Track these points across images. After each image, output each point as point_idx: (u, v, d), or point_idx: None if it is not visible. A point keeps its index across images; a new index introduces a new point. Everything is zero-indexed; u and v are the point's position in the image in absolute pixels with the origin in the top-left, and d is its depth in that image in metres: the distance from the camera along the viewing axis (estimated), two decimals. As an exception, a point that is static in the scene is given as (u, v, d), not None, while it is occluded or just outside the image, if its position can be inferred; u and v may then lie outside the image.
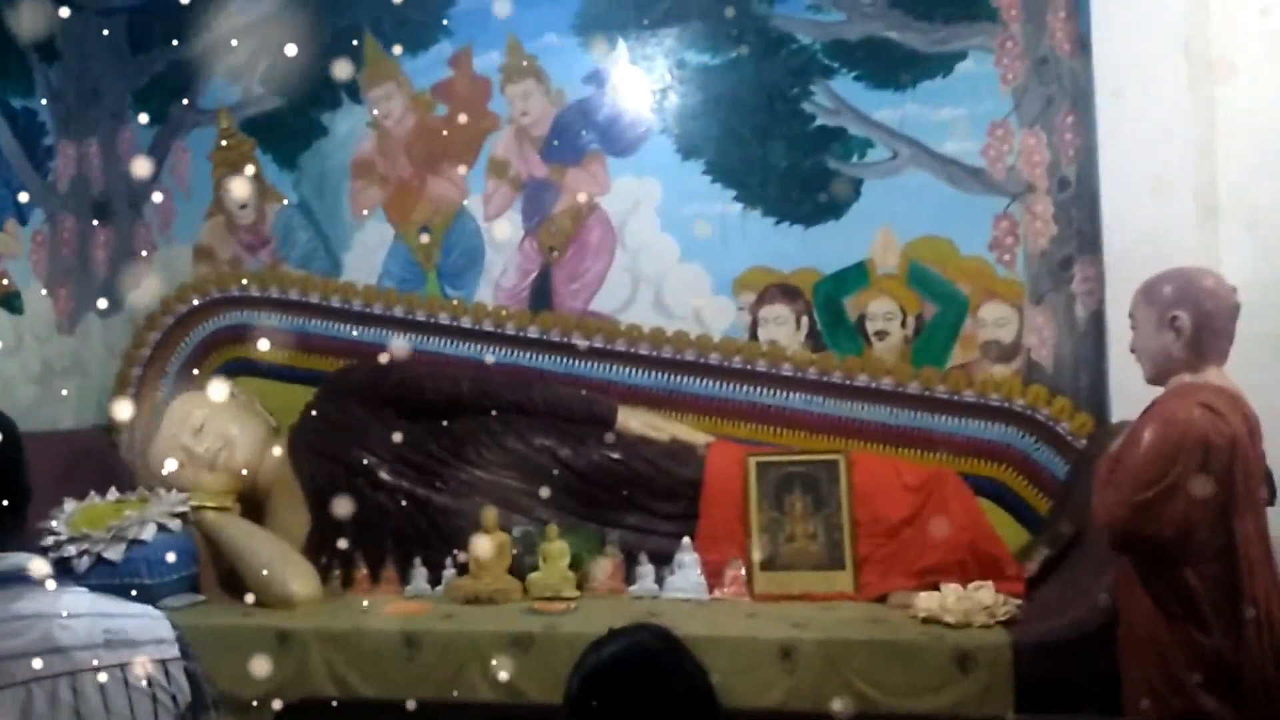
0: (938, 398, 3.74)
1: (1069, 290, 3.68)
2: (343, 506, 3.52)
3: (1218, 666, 2.17)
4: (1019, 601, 3.03)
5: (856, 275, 3.89)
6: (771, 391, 3.86)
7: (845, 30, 3.89)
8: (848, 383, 3.81)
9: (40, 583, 1.34)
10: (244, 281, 4.30)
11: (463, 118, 4.12)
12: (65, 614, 1.31)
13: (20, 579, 1.33)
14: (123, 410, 4.27)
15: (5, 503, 1.36)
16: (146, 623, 1.38)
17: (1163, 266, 2.51)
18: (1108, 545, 2.31)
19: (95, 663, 1.28)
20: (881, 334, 3.86)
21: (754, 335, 3.92)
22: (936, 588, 3.11)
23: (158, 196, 4.38)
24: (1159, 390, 2.41)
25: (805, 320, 3.91)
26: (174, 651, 1.37)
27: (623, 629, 1.54)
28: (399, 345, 3.95)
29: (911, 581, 3.23)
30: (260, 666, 2.98)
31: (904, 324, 3.85)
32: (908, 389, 3.77)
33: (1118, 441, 2.39)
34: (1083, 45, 3.61)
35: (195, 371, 4.33)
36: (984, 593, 3.02)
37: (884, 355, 3.83)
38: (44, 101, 4.29)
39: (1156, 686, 2.23)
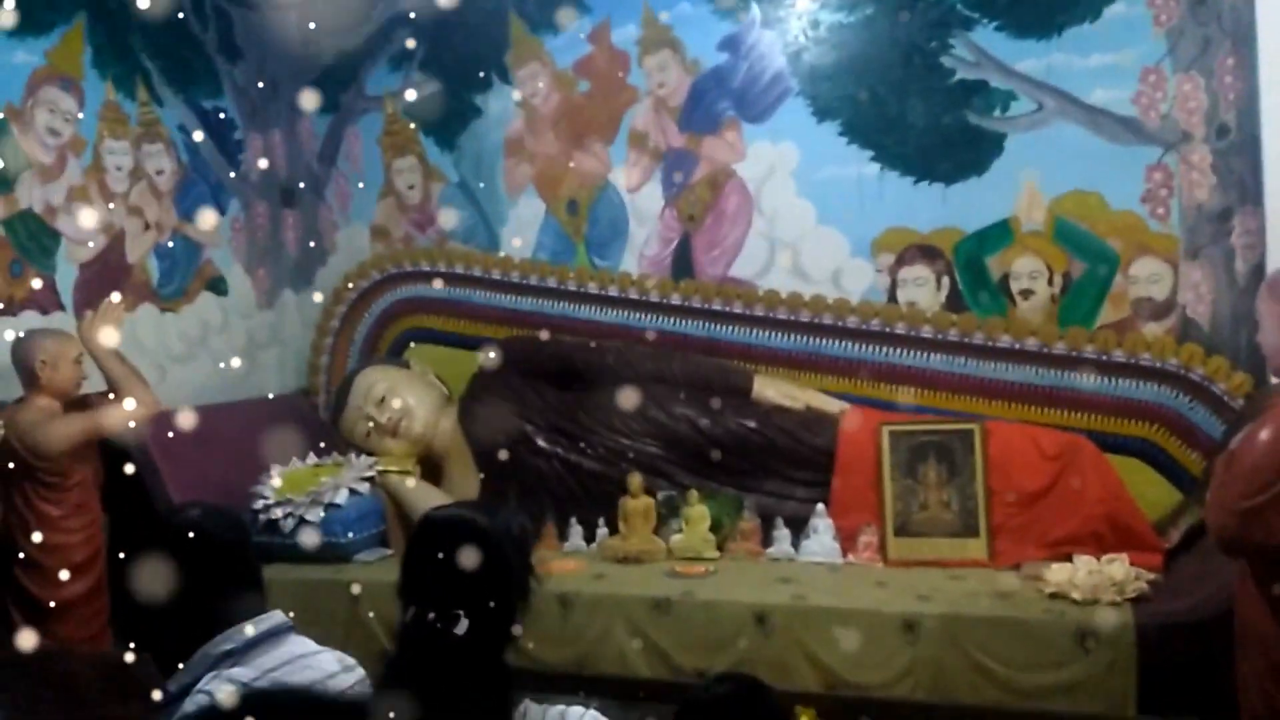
0: (1085, 358, 3.67)
1: (1228, 244, 3.50)
2: (507, 471, 3.86)
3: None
4: (1152, 577, 3.01)
5: (1000, 233, 3.82)
6: (911, 353, 3.88)
7: (986, -22, 3.75)
8: (990, 344, 3.79)
9: (293, 630, 1.73)
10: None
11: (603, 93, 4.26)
12: (314, 651, 1.71)
13: (288, 629, 1.72)
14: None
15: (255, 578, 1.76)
16: (341, 653, 1.76)
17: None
18: (1217, 549, 2.29)
19: (349, 683, 1.68)
20: (1026, 293, 3.79)
21: (893, 297, 3.93)
22: (1070, 559, 3.13)
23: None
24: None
25: (946, 281, 3.89)
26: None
27: (721, 676, 1.76)
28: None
29: (1045, 552, 3.25)
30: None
31: (1050, 282, 3.76)
32: (1053, 349, 3.72)
33: (1237, 438, 2.34)
34: (1246, -21, 3.36)
35: (378, 340, 4.76)
36: (1116, 566, 3.01)
37: (1029, 315, 3.77)
38: (231, 99, 4.71)
39: (1264, 683, 2.23)
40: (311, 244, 4.89)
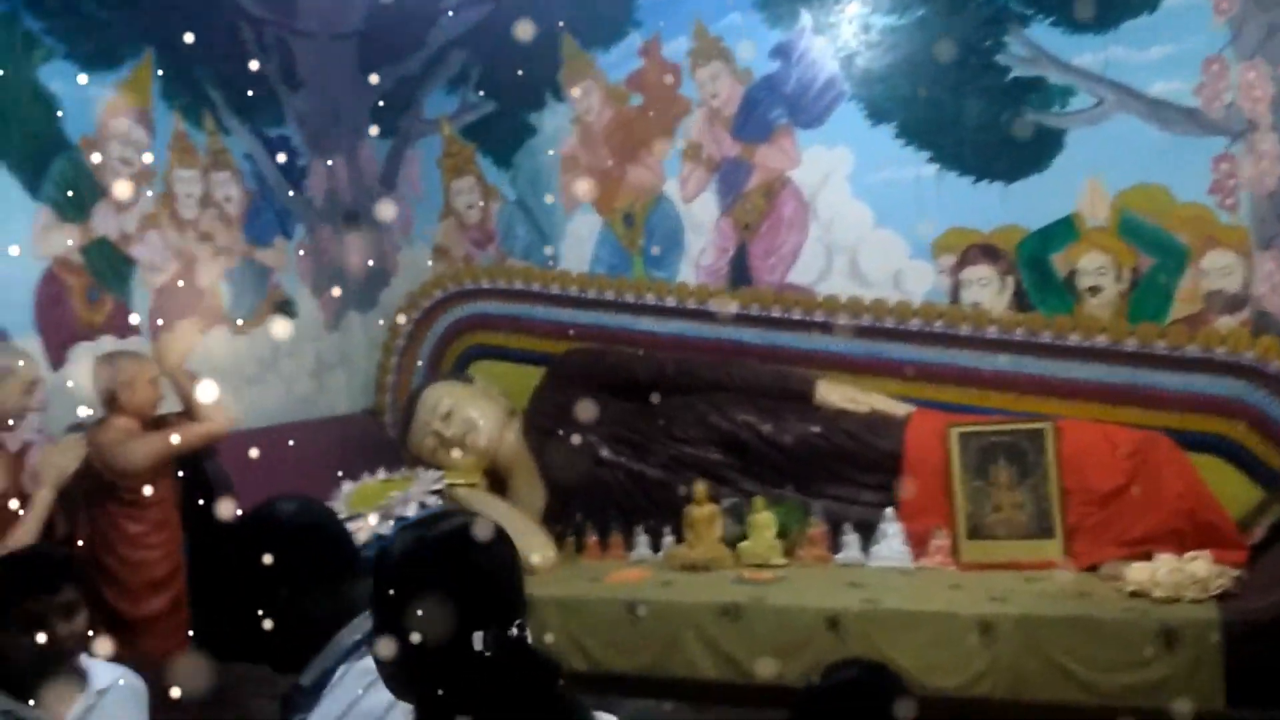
0: (1157, 354, 3.60)
1: (1302, 233, 3.41)
2: (571, 481, 3.88)
3: None
4: (1237, 573, 2.93)
5: (1064, 230, 3.77)
6: (977, 355, 3.84)
7: (1040, -27, 3.72)
8: (1058, 342, 3.73)
9: None
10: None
11: (655, 105, 4.29)
12: None
13: None
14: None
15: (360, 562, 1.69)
16: None
17: None
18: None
19: None
20: (1094, 290, 3.73)
21: (956, 298, 3.89)
22: (1150, 558, 3.06)
23: (389, 209, 4.82)
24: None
25: (1010, 280, 3.84)
26: None
27: (841, 662, 1.67)
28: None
29: (1123, 551, 3.18)
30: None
31: (1118, 278, 3.70)
32: (1124, 346, 3.65)
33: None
34: (1310, -38, 3.29)
35: (442, 358, 4.82)
36: (1198, 564, 2.94)
37: (1097, 312, 3.71)
38: (294, 126, 4.82)
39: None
40: (376, 266, 4.97)
